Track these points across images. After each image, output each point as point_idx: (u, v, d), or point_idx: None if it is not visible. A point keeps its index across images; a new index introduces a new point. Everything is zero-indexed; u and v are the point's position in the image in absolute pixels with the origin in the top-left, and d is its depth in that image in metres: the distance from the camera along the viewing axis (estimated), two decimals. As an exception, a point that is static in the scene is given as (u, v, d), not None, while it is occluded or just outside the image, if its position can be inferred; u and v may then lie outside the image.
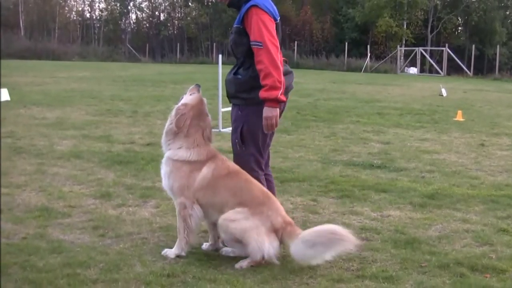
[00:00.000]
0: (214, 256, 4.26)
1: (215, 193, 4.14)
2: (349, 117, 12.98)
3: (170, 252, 4.23)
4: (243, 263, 4.05)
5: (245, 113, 4.27)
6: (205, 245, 4.44)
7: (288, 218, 4.14)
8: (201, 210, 4.18)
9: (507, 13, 54.83)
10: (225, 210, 4.07)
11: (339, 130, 10.86)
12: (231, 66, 4.45)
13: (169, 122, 4.29)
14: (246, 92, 4.22)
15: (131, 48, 56.79)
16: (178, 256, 4.19)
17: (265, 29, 4.07)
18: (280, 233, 4.03)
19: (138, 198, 5.83)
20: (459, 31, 56.10)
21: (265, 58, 4.05)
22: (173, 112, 4.28)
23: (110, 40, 62.48)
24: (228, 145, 8.98)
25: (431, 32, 52.18)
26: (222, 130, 10.18)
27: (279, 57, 4.13)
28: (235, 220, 4.00)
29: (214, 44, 55.03)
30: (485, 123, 12.62)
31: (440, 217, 5.39)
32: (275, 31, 4.18)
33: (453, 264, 4.14)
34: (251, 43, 4.13)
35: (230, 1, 4.35)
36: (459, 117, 13.03)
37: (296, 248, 3.95)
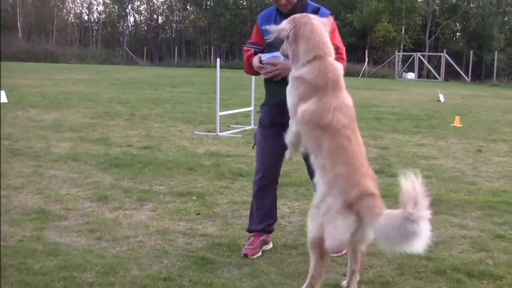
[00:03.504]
0: (211, 260, 4.25)
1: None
2: (347, 121, 12.93)
3: None
4: None
5: None
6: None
7: None
8: None
9: (505, 19, 54.95)
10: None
11: (336, 135, 10.83)
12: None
13: None
14: None
15: (129, 51, 56.76)
16: None
17: (339, 36, 4.53)
18: None
19: (135, 201, 5.82)
20: (457, 36, 56.18)
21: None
22: None
23: (108, 42, 62.46)
24: (225, 149, 9.00)
25: (429, 37, 52.28)
26: (219, 134, 10.15)
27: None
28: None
29: (212, 47, 55.07)
30: (482, 129, 12.64)
31: (437, 222, 5.38)
32: None
33: (450, 270, 4.14)
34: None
35: (291, 9, 4.26)
36: (457, 122, 13.04)
37: None
